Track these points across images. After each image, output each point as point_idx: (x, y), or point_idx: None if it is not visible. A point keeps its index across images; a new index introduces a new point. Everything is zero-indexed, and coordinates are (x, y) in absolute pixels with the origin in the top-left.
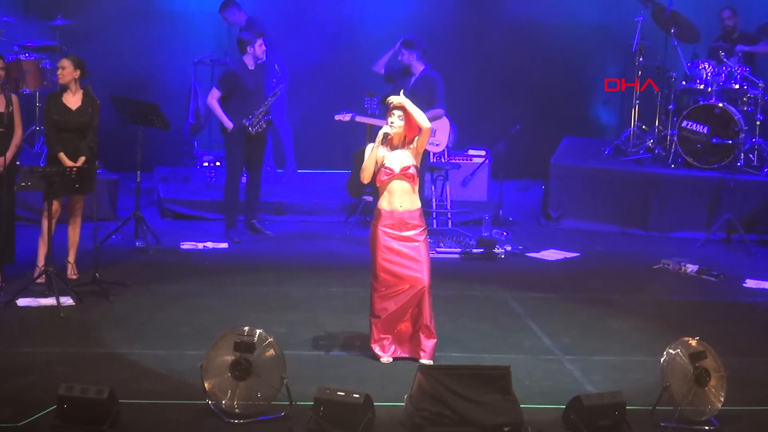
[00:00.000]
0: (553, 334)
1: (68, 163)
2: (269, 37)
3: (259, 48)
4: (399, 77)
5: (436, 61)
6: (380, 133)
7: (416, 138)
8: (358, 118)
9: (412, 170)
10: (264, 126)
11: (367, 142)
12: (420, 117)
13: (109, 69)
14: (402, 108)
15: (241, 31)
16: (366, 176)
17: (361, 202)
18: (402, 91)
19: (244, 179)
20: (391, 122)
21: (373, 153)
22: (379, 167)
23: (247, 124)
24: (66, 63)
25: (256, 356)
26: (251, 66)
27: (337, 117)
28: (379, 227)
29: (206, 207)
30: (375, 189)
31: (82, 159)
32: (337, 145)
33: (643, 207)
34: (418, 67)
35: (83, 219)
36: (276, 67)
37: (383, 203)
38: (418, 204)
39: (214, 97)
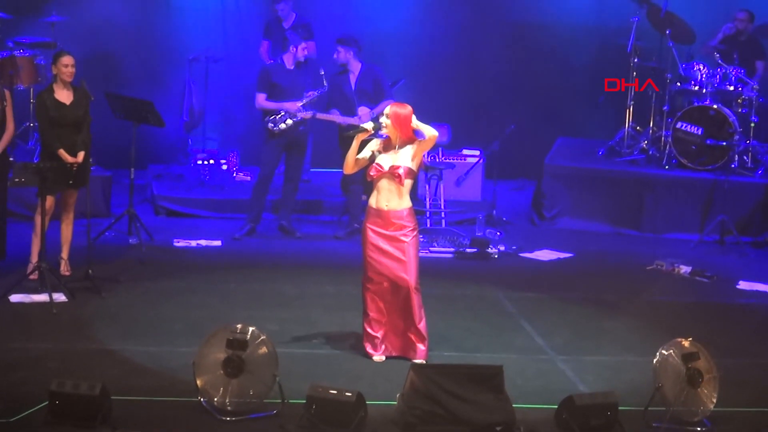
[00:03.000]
0: (545, 333)
1: (69, 159)
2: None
3: (301, 50)
4: (339, 87)
5: (430, 61)
6: (377, 144)
7: (416, 141)
8: (318, 115)
9: (401, 170)
10: (289, 125)
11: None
12: (426, 129)
13: (103, 65)
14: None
15: (288, 29)
16: (347, 167)
17: None
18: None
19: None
20: (381, 122)
21: (354, 149)
22: (371, 163)
23: (268, 124)
24: (72, 60)
25: (248, 353)
26: (290, 65)
27: (300, 115)
28: (367, 224)
29: (200, 204)
30: (367, 186)
31: (81, 154)
32: (330, 143)
33: (636, 208)
34: (356, 65)
35: (76, 215)
36: (321, 71)
37: (372, 200)
38: (406, 204)
39: (261, 101)
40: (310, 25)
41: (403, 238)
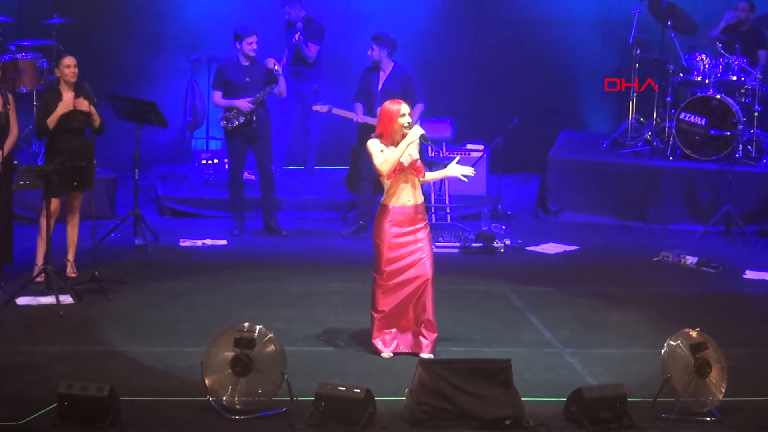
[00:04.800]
0: (553, 327)
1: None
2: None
3: (247, 45)
4: (367, 83)
5: (433, 57)
6: (417, 134)
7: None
8: (335, 110)
9: (419, 164)
10: (242, 122)
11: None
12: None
13: (106, 67)
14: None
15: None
16: (389, 170)
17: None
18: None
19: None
20: (408, 122)
21: (402, 153)
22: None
23: (222, 122)
24: (74, 60)
25: (256, 352)
26: (244, 62)
27: (315, 108)
28: (386, 222)
29: (204, 204)
30: (377, 184)
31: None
32: (334, 141)
33: (641, 199)
34: (388, 64)
35: (81, 217)
36: (275, 66)
37: (391, 199)
38: (422, 198)
39: (216, 99)
40: (323, 28)
41: (423, 232)
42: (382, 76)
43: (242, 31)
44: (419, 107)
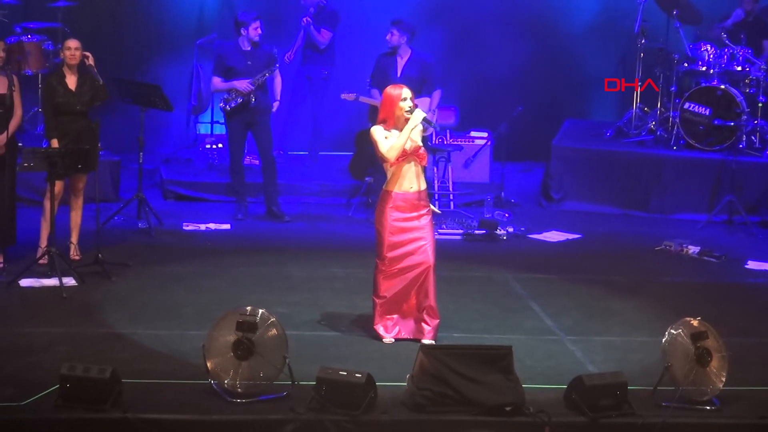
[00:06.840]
0: (554, 314)
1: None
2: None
3: (253, 30)
4: (384, 69)
5: (438, 44)
6: (420, 118)
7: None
8: (361, 98)
9: (422, 150)
10: (240, 102)
11: (370, 123)
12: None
13: (111, 50)
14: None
15: (241, 14)
16: (396, 156)
17: (363, 184)
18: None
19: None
20: (410, 107)
21: (407, 138)
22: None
23: (220, 103)
24: (77, 43)
25: (258, 336)
26: (245, 47)
27: (342, 96)
28: (388, 208)
29: (208, 188)
30: (380, 170)
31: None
32: (339, 126)
33: (644, 189)
34: (406, 51)
35: (85, 200)
36: (274, 50)
37: (393, 186)
38: (425, 184)
39: (215, 84)
40: (337, 14)
41: (424, 218)
42: (400, 62)
43: (247, 17)
44: (437, 93)
